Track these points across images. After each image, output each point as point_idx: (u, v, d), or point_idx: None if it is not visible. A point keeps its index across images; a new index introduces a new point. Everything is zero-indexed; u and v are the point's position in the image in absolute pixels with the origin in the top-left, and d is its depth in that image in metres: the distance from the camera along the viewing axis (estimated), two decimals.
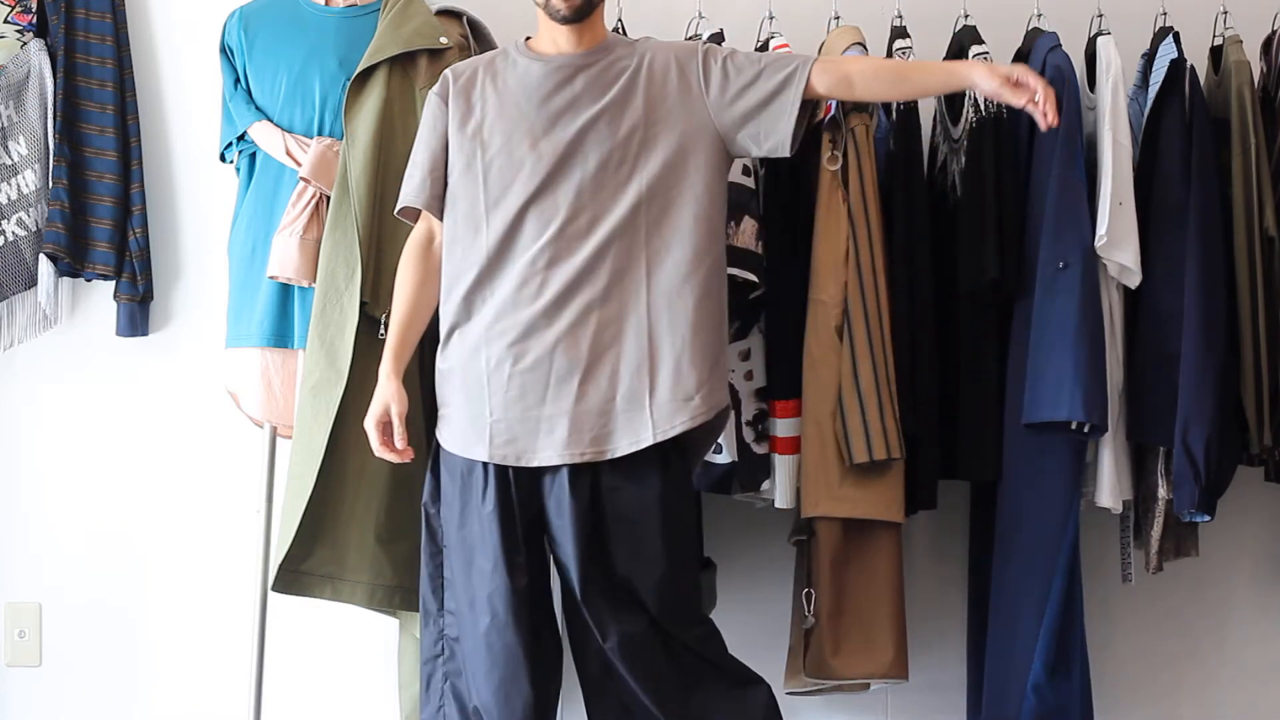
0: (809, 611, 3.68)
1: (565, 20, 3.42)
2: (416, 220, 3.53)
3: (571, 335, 3.36)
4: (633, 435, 3.34)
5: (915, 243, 3.77)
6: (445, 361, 3.47)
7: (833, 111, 3.69)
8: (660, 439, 3.34)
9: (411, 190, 3.49)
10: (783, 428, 3.73)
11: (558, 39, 3.46)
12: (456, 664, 3.44)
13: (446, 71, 3.53)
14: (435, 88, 3.52)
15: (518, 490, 3.37)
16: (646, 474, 3.35)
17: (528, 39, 3.51)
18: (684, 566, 3.41)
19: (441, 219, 3.47)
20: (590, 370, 3.35)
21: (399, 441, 3.43)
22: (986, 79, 3.40)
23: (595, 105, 3.41)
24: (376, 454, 3.44)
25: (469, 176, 3.44)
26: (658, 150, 3.40)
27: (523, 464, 3.36)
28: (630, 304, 3.37)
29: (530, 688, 3.35)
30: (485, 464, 3.37)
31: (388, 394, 3.44)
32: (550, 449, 3.35)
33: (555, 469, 3.35)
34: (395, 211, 3.53)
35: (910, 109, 3.80)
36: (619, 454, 3.34)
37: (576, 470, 3.34)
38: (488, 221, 3.41)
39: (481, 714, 3.39)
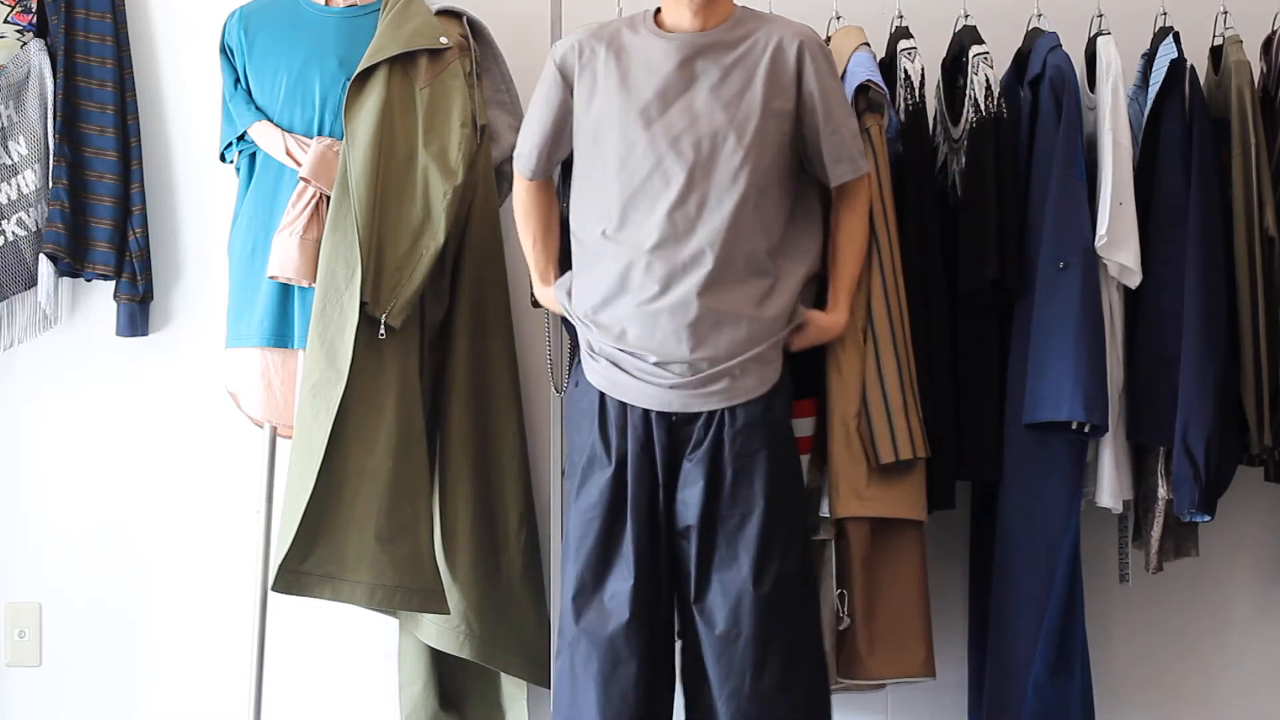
0: (844, 612, 3.67)
1: None
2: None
3: (674, 322, 3.39)
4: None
5: (926, 242, 3.77)
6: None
7: None
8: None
9: (522, 159, 3.60)
10: (796, 428, 3.72)
11: (681, 12, 3.46)
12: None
13: (571, 42, 3.53)
14: (556, 56, 3.53)
15: None
16: None
17: (657, 11, 3.51)
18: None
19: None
20: (692, 366, 3.39)
21: None
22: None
23: (713, 88, 3.42)
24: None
25: (591, 152, 3.49)
26: (772, 137, 3.42)
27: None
28: (737, 296, 3.39)
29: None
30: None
31: (549, 298, 3.63)
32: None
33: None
34: (512, 161, 3.64)
35: (919, 109, 3.80)
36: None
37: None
38: (604, 200, 3.46)
39: None
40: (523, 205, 3.65)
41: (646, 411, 3.43)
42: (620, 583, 3.43)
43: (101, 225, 4.08)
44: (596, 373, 3.48)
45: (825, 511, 3.71)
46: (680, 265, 3.41)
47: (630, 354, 3.43)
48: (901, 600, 3.69)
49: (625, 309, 3.44)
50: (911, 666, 3.69)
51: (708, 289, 3.40)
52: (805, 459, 3.71)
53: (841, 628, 3.68)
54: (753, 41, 3.46)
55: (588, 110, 3.49)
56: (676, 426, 3.44)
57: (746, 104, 3.42)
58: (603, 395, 3.47)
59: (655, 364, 3.41)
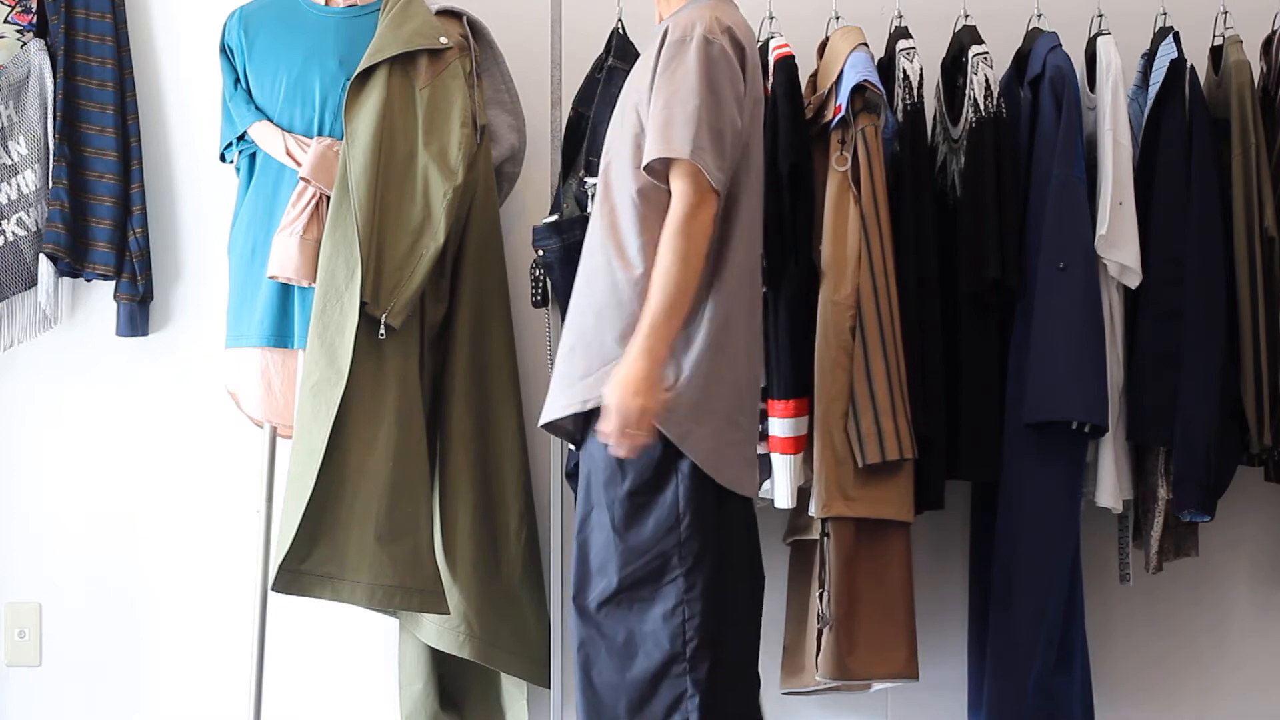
0: (824, 612, 3.68)
1: None
2: None
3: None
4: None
5: (922, 243, 3.77)
6: None
7: (843, 112, 3.69)
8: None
9: None
10: (782, 428, 3.72)
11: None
12: None
13: None
14: None
15: None
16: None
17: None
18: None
19: None
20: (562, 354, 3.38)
21: None
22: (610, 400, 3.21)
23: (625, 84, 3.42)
24: None
25: None
26: (623, 150, 3.33)
27: None
28: (599, 290, 3.31)
29: None
30: None
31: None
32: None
33: None
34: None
35: (917, 109, 3.80)
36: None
37: None
38: None
39: None
40: None
41: None
42: None
43: (101, 225, 4.09)
44: None
45: (812, 511, 3.72)
46: None
47: None
48: (885, 601, 3.69)
49: None
50: (894, 667, 3.69)
51: (578, 295, 3.37)
52: (797, 458, 3.72)
53: (820, 627, 3.68)
54: (661, 31, 3.34)
55: None
56: None
57: (620, 104, 3.38)
58: None
59: None
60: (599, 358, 3.27)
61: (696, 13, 3.30)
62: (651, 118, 3.24)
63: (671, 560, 3.27)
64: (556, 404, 3.33)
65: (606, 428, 3.18)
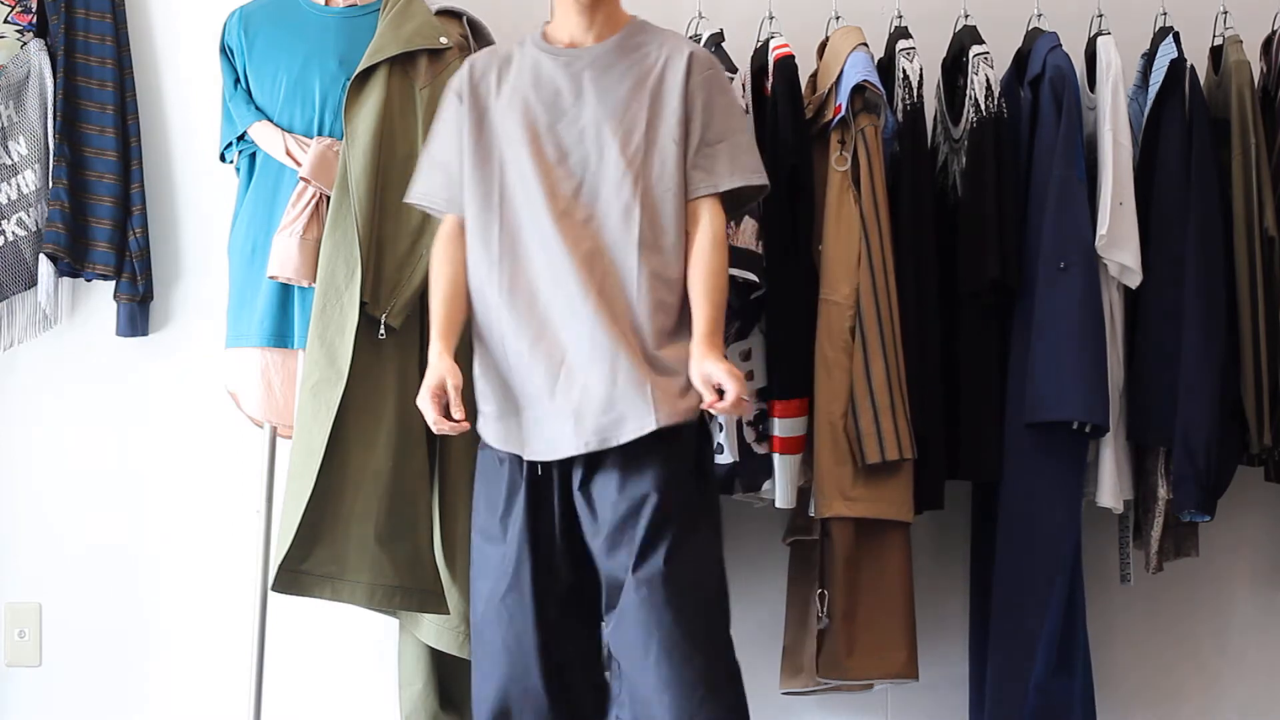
0: (823, 612, 3.68)
1: (584, 8, 3.29)
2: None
3: (555, 342, 3.28)
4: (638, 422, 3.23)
5: (922, 243, 3.77)
6: (477, 359, 3.36)
7: (842, 112, 3.69)
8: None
9: (432, 189, 3.39)
10: (783, 428, 3.73)
11: (571, 25, 3.32)
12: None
13: (464, 65, 3.42)
14: (454, 84, 3.39)
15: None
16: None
17: (547, 23, 3.38)
18: None
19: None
20: (575, 374, 3.26)
21: (456, 412, 3.27)
22: (701, 371, 3.21)
23: (601, 105, 3.28)
24: (435, 430, 3.29)
25: (480, 175, 3.33)
26: (656, 158, 3.26)
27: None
28: (620, 311, 3.24)
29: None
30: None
31: (442, 369, 3.29)
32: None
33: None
34: (405, 199, 3.45)
35: (917, 109, 3.80)
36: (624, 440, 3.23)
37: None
38: (498, 222, 3.30)
39: None
40: (442, 240, 3.41)
41: None
42: None
43: (101, 225, 4.09)
44: None
45: (812, 511, 3.72)
46: None
47: None
48: (884, 601, 3.69)
49: None
50: (892, 667, 3.69)
51: None
52: (797, 459, 3.72)
53: (820, 627, 3.68)
54: (651, 58, 3.30)
55: (476, 131, 3.37)
56: None
57: (635, 126, 3.28)
58: None
59: None
60: None
61: (690, 43, 3.38)
62: (726, 144, 3.28)
63: (708, 508, 3.30)
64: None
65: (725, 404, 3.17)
